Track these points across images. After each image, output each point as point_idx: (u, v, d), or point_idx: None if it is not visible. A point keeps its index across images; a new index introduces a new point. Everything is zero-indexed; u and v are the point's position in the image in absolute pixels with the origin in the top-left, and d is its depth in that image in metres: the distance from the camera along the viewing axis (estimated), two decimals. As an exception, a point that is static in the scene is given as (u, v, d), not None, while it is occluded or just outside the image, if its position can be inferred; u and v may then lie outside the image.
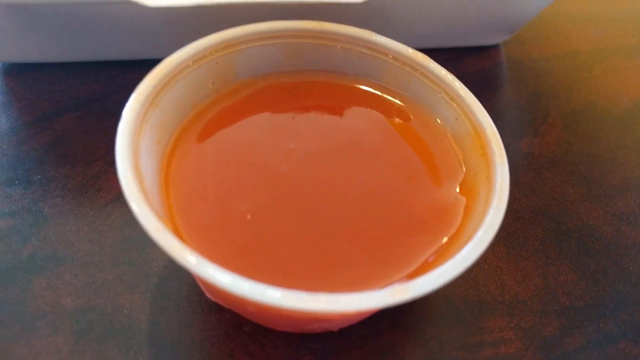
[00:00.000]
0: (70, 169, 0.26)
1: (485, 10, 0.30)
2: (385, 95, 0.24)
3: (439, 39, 0.32)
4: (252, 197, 0.20)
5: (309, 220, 0.19)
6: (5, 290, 0.21)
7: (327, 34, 0.23)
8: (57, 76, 0.30)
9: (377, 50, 0.23)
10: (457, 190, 0.21)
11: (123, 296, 0.22)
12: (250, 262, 0.18)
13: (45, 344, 0.20)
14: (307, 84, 0.24)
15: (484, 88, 0.32)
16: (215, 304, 0.21)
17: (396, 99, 0.23)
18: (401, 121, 0.23)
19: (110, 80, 0.30)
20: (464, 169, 0.21)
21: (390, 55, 0.23)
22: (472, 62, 0.34)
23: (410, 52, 0.22)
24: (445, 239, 0.19)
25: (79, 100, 0.29)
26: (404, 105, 0.23)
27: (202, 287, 0.21)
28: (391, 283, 0.18)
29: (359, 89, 0.24)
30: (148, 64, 0.22)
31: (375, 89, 0.24)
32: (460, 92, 0.21)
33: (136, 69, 0.30)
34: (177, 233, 0.18)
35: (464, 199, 0.20)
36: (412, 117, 0.23)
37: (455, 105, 0.22)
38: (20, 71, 0.30)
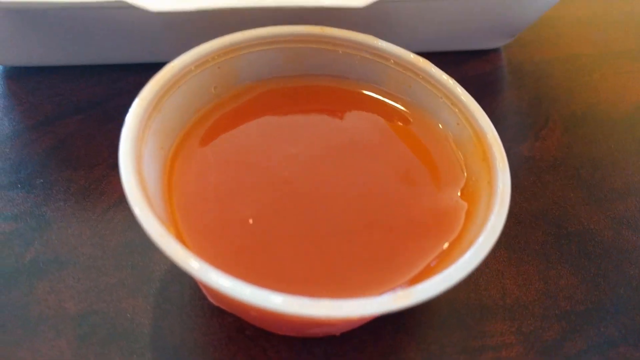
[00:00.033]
0: (72, 173, 0.26)
1: (487, 15, 0.30)
2: (387, 100, 0.24)
3: (440, 43, 0.33)
4: (254, 201, 0.20)
5: (311, 224, 0.19)
6: (8, 294, 0.22)
7: (329, 39, 0.23)
8: (59, 79, 0.30)
9: (378, 55, 0.23)
10: (459, 195, 0.21)
11: (126, 300, 0.22)
12: (253, 267, 0.18)
13: (48, 348, 0.20)
14: (309, 89, 0.24)
15: (485, 92, 0.33)
16: (218, 308, 0.21)
17: (398, 103, 0.23)
18: (403, 126, 0.23)
19: (112, 83, 0.30)
20: (465, 174, 0.21)
21: (392, 60, 0.23)
22: (472, 66, 0.34)
23: (412, 57, 0.22)
24: (446, 244, 0.19)
25: (81, 103, 0.29)
26: (406, 109, 0.23)
27: (204, 291, 0.22)
28: (393, 288, 0.18)
29: (361, 93, 0.24)
30: (150, 68, 0.22)
31: (377, 94, 0.24)
32: (462, 97, 0.21)
33: (138, 72, 0.30)
34: (180, 238, 0.18)
35: (465, 204, 0.20)
36: (413, 121, 0.23)
37: (456, 110, 0.22)
38: (22, 75, 0.30)
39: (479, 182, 0.20)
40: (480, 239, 0.17)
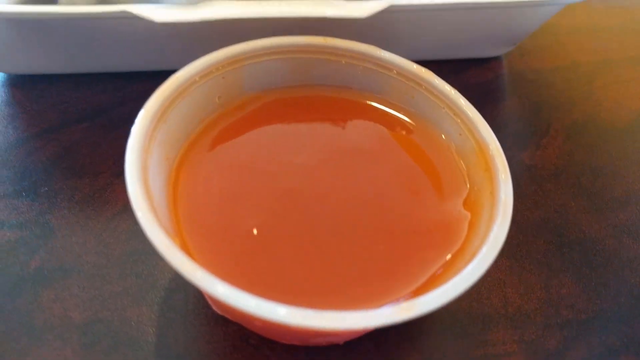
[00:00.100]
0: (77, 181, 0.26)
1: (488, 24, 0.30)
2: (390, 110, 0.24)
3: (441, 51, 0.33)
4: (259, 211, 0.20)
5: (315, 234, 0.20)
6: (14, 302, 0.22)
7: (332, 49, 0.23)
8: (63, 88, 0.30)
9: (381, 65, 0.23)
10: (462, 205, 0.21)
11: (130, 309, 0.22)
12: (257, 278, 0.18)
13: (53, 357, 0.20)
14: (312, 99, 0.24)
15: (486, 100, 0.33)
16: (222, 317, 0.22)
17: (401, 113, 0.24)
18: (406, 136, 0.23)
19: (117, 91, 0.30)
20: (468, 184, 0.21)
21: (394, 71, 0.23)
22: (474, 74, 0.34)
23: (414, 67, 0.23)
24: (449, 256, 0.19)
25: (85, 111, 0.29)
26: (409, 120, 0.23)
27: (208, 300, 0.22)
28: (397, 299, 0.18)
29: (364, 103, 0.24)
30: (154, 76, 0.22)
31: (380, 104, 0.24)
32: (465, 108, 0.21)
33: (142, 80, 0.30)
34: (185, 248, 0.18)
35: (468, 214, 0.20)
36: (416, 132, 0.23)
37: (459, 120, 0.22)
38: (26, 83, 0.30)
39: (481, 193, 0.20)
40: (483, 250, 0.17)
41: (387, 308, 0.16)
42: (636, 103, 0.34)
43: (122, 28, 0.27)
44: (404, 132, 0.23)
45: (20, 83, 0.30)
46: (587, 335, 0.23)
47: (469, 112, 0.21)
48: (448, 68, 0.33)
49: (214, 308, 0.21)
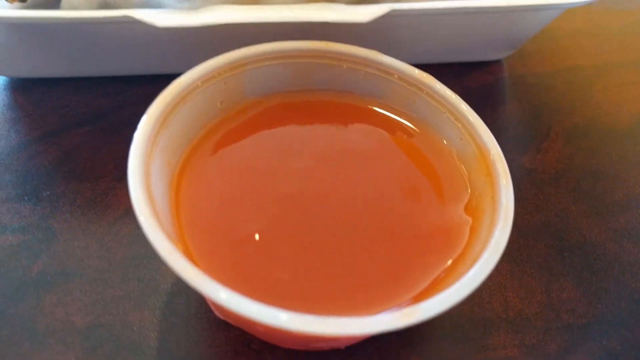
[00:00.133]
0: (78, 185, 0.26)
1: (489, 28, 0.31)
2: (391, 115, 0.24)
3: (442, 55, 0.33)
4: (261, 216, 0.20)
5: (316, 239, 0.20)
6: (16, 307, 0.22)
7: (333, 54, 0.23)
8: (64, 91, 0.30)
9: (383, 70, 0.23)
10: (463, 210, 0.21)
11: (132, 313, 0.22)
12: (259, 283, 0.18)
13: (55, 361, 0.20)
14: (314, 104, 0.24)
15: (486, 103, 0.33)
16: (224, 321, 0.22)
17: (402, 118, 0.24)
18: (407, 140, 0.23)
19: (118, 95, 0.30)
20: (469, 189, 0.21)
21: (396, 76, 0.23)
22: (474, 78, 0.34)
23: (416, 72, 0.23)
24: (450, 261, 0.19)
25: (86, 115, 0.29)
26: (410, 125, 0.24)
27: (210, 305, 0.22)
28: (398, 304, 0.18)
29: (366, 108, 0.24)
30: (154, 80, 0.22)
31: (381, 109, 0.24)
32: (466, 113, 0.21)
33: (142, 84, 0.30)
34: (188, 253, 0.18)
35: (469, 219, 0.20)
36: (418, 136, 0.23)
37: (460, 125, 0.22)
38: (28, 86, 0.30)
39: (482, 197, 0.20)
40: (485, 256, 0.17)
41: (389, 314, 0.16)
42: (637, 106, 0.34)
43: (123, 33, 0.27)
44: (405, 137, 0.23)
45: (22, 87, 0.30)
46: (587, 340, 0.23)
47: (470, 117, 0.21)
48: (449, 71, 0.33)
49: (216, 312, 0.22)
